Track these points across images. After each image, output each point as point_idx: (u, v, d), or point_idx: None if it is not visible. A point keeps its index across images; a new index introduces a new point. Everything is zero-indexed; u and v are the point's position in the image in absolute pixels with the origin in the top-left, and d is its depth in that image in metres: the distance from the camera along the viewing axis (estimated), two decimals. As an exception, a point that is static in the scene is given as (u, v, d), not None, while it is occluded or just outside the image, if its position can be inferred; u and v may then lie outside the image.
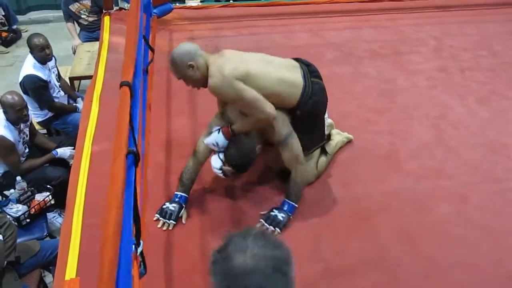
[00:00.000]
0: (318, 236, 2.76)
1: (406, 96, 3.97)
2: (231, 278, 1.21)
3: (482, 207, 3.00)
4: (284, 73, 2.81)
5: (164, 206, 2.79)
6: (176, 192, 2.84)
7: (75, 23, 5.90)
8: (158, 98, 3.71)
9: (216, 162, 2.77)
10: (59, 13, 6.45)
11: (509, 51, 4.71)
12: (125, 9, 4.90)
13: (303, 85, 2.82)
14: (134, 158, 1.84)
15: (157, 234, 2.69)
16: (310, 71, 2.92)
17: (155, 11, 4.69)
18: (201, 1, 5.94)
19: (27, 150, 3.95)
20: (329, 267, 2.58)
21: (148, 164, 2.97)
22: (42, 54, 4.22)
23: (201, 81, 2.74)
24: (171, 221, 2.74)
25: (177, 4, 5.10)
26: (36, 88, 4.25)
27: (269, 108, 2.65)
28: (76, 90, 5.12)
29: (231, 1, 6.03)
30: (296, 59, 3.01)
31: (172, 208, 2.77)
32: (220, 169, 2.74)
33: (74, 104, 4.67)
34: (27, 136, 3.93)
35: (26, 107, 3.77)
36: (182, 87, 3.86)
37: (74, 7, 5.74)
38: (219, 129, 2.79)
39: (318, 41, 4.73)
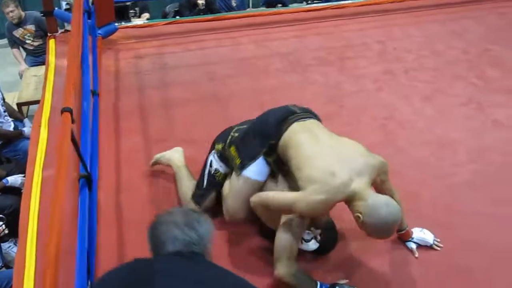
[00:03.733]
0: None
1: (353, 100, 4.05)
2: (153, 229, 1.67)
3: (433, 203, 3.07)
4: None
5: None
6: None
7: (21, 48, 5.80)
8: (107, 118, 3.68)
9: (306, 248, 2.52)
10: (4, 40, 6.34)
11: (451, 50, 4.86)
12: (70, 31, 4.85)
13: None
14: (86, 182, 1.83)
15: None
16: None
17: (99, 32, 4.66)
18: (147, 19, 5.92)
19: (-24, 180, 3.85)
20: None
21: (98, 185, 2.94)
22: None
23: None
24: None
25: (123, 23, 5.07)
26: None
27: None
28: (25, 116, 5.03)
29: (177, 17, 6.03)
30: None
31: None
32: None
33: (20, 129, 4.58)
34: (-25, 166, 3.83)
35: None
36: (131, 106, 3.88)
37: (18, 33, 5.66)
38: (310, 239, 2.51)
39: (265, 52, 4.78)
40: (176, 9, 6.40)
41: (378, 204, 2.19)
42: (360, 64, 4.55)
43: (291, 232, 2.35)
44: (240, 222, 2.62)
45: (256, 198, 2.45)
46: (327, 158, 2.29)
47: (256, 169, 2.53)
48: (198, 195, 2.78)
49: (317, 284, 2.38)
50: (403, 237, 2.72)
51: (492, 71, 4.50)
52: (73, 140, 1.74)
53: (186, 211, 1.70)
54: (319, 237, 2.53)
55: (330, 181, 2.20)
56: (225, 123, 3.62)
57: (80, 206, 1.59)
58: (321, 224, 2.53)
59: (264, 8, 6.57)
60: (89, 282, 1.77)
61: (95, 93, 3.45)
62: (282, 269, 2.35)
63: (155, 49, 4.82)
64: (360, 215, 2.21)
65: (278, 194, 2.41)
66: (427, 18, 5.53)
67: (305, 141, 2.39)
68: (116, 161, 3.32)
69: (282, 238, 2.36)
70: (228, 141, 2.69)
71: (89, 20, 4.28)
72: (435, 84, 4.28)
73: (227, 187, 2.67)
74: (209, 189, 2.75)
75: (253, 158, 2.52)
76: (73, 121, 1.77)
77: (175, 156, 3.09)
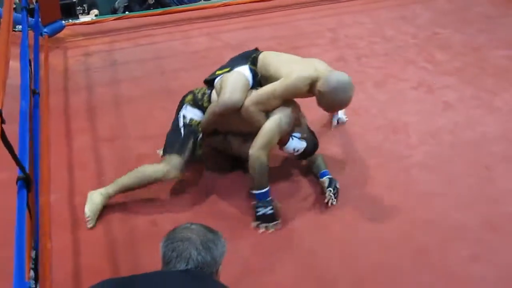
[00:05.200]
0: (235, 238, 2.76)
1: (307, 88, 4.05)
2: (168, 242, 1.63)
3: (389, 186, 3.11)
4: None
5: (260, 213, 2.79)
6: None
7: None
8: (55, 118, 3.58)
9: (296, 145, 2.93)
10: None
11: (401, 36, 4.92)
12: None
13: None
14: (24, 184, 1.76)
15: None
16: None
17: (45, 30, 4.53)
18: (95, 16, 5.79)
19: None
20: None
21: (49, 188, 2.86)
22: None
23: None
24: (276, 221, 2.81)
25: (70, 20, 4.93)
26: None
27: None
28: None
29: (126, 12, 5.92)
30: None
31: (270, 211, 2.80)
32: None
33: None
34: None
35: None
36: (81, 105, 3.79)
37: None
38: (299, 137, 2.94)
39: (217, 44, 4.74)
40: (125, 4, 6.27)
41: (332, 76, 2.75)
42: (312, 52, 4.54)
43: (277, 126, 2.80)
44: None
45: (248, 101, 2.84)
46: (297, 60, 3.01)
47: (246, 71, 2.97)
48: (178, 146, 2.91)
49: (267, 187, 2.81)
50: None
51: (440, 54, 4.58)
52: (4, 139, 1.66)
53: (204, 230, 1.66)
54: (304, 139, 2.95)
55: (303, 70, 2.82)
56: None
57: (18, 208, 1.52)
58: (305, 130, 2.99)
59: (215, 0, 6.50)
60: None
61: (35, 93, 3.33)
62: (255, 151, 2.77)
63: (105, 46, 4.72)
64: (319, 90, 2.73)
65: (263, 88, 2.88)
66: (377, 5, 5.57)
67: (277, 54, 3.09)
68: (67, 162, 3.24)
69: (268, 127, 2.80)
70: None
71: (33, 19, 4.16)
72: (387, 70, 4.33)
73: (218, 85, 3.00)
74: (188, 137, 2.93)
75: (241, 65, 3.00)
76: (3, 121, 1.69)
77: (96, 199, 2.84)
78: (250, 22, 5.18)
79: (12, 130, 1.88)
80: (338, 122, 3.58)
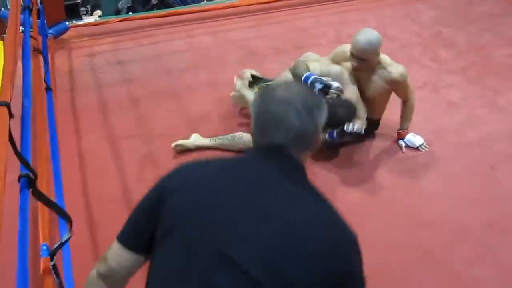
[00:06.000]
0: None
1: (311, 88, 4.06)
2: (263, 102, 1.32)
3: (394, 186, 3.11)
4: None
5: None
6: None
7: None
8: (63, 118, 3.59)
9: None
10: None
11: (405, 34, 4.92)
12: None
13: None
14: (28, 182, 1.75)
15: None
16: None
17: (50, 31, 4.55)
18: (99, 16, 5.81)
19: None
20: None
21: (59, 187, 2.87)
22: None
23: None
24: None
25: (74, 22, 4.96)
26: None
27: None
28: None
29: (130, 13, 5.93)
30: None
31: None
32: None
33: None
34: None
35: None
36: (88, 105, 3.80)
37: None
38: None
39: (221, 44, 4.75)
40: (129, 5, 6.29)
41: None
42: (315, 51, 4.50)
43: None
44: None
45: None
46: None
47: None
48: None
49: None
50: (398, 135, 3.42)
51: (445, 53, 4.58)
52: (9, 136, 1.66)
53: (305, 89, 1.38)
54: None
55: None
56: (183, 118, 3.61)
57: (21, 208, 1.51)
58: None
59: (219, 0, 6.51)
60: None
61: (49, 89, 3.37)
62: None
63: (109, 46, 4.74)
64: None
65: None
66: (380, 3, 5.58)
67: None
68: (78, 160, 3.26)
69: None
70: None
71: (39, 20, 4.18)
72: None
73: None
74: None
75: None
76: (11, 116, 1.70)
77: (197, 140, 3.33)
78: (254, 22, 5.19)
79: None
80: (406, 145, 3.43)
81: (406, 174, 3.22)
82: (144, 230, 1.29)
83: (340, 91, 3.06)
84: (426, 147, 3.38)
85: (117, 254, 1.32)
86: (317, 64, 3.27)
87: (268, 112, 1.29)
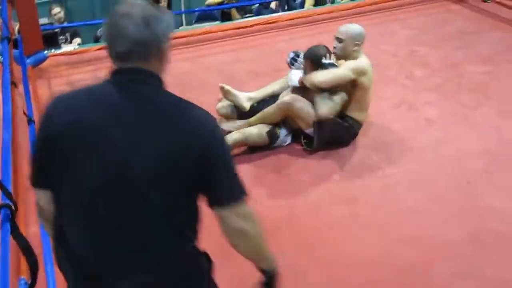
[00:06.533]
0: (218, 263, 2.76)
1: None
2: (109, 16, 1.45)
3: (373, 204, 3.16)
4: None
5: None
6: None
7: None
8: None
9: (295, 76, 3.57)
10: None
11: (380, 54, 4.99)
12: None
13: None
14: (8, 214, 1.75)
15: None
16: None
17: (28, 61, 4.56)
18: (78, 44, 5.83)
19: None
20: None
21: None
22: None
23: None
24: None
25: (53, 51, 4.97)
26: None
27: None
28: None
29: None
30: None
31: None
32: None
33: None
34: None
35: None
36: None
37: None
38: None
39: (200, 69, 4.81)
40: (108, 32, 6.31)
41: None
42: (293, 74, 4.62)
43: None
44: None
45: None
46: None
47: None
48: None
49: None
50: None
51: (420, 71, 4.68)
52: None
53: (147, 5, 1.47)
54: None
55: None
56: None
57: (1, 240, 1.51)
58: None
59: (197, 25, 6.58)
60: None
61: (31, 121, 3.36)
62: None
63: (89, 74, 4.74)
64: None
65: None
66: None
67: None
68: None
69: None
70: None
71: (17, 50, 4.20)
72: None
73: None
74: None
75: None
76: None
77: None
78: (231, 46, 5.26)
79: None
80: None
81: (384, 191, 3.26)
82: (46, 169, 1.45)
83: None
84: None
85: (39, 196, 1.51)
86: None
87: (112, 25, 1.43)
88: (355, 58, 3.52)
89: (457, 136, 3.75)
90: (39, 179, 1.49)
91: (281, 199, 3.21)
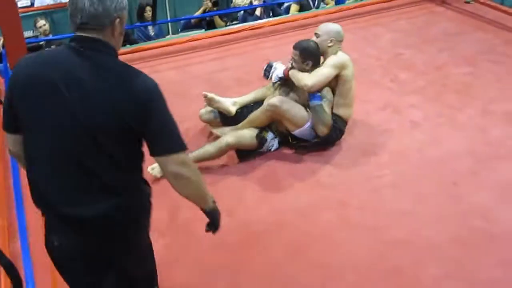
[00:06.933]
0: (211, 271, 2.78)
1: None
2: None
3: (361, 207, 3.18)
4: None
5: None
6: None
7: None
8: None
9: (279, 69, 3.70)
10: None
11: (365, 58, 5.03)
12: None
13: None
14: None
15: None
16: None
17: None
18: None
19: None
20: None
21: None
22: None
23: None
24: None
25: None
26: None
27: None
28: None
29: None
30: None
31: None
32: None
33: None
34: None
35: None
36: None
37: None
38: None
39: (185, 77, 4.80)
40: (93, 43, 6.31)
41: None
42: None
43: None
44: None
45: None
46: None
47: None
48: None
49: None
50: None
51: (404, 73, 4.71)
52: None
53: None
54: None
55: None
56: (146, 152, 3.61)
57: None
58: None
59: (183, 34, 6.58)
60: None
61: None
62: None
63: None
64: None
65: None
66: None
67: None
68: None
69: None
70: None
71: (1, 64, 4.19)
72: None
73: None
74: None
75: None
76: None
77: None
78: (217, 54, 5.27)
79: None
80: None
81: (371, 193, 3.29)
82: (13, 116, 1.73)
83: (279, 79, 3.68)
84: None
85: (9, 139, 1.82)
86: None
87: (73, 2, 1.71)
88: (331, 54, 3.58)
89: (442, 138, 3.78)
90: (8, 125, 1.78)
91: (270, 204, 3.22)
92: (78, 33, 1.72)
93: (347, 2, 6.82)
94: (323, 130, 3.52)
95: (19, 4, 5.66)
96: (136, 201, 1.83)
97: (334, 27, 3.66)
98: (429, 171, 3.45)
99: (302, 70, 3.55)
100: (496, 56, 4.95)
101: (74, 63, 1.68)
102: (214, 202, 1.98)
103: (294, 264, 2.79)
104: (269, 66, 3.80)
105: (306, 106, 3.55)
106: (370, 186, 3.35)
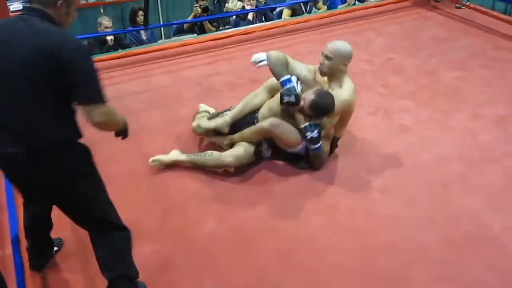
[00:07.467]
0: (200, 276, 2.77)
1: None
2: None
3: (351, 211, 3.18)
4: None
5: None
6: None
7: None
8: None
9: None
10: None
11: (356, 63, 5.01)
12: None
13: None
14: None
15: None
16: None
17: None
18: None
19: None
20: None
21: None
22: None
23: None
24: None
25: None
26: None
27: None
28: None
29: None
30: None
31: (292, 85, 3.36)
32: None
33: None
34: None
35: None
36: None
37: None
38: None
39: (178, 82, 4.80)
40: (85, 47, 6.31)
41: None
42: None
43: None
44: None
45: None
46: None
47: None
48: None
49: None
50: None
51: (395, 78, 4.73)
52: None
53: None
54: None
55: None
56: (139, 159, 3.61)
57: None
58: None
59: (175, 39, 6.59)
60: None
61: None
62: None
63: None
64: None
65: None
66: (329, 34, 5.73)
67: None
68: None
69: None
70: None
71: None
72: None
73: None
74: None
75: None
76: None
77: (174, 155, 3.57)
78: (210, 58, 5.27)
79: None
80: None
81: (362, 197, 3.30)
82: None
83: (290, 104, 3.37)
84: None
85: None
86: (298, 65, 3.59)
87: None
88: (339, 78, 3.44)
89: (432, 142, 3.80)
90: None
91: (259, 210, 3.21)
92: (26, 5, 2.12)
93: (339, 7, 6.86)
94: (318, 167, 3.53)
95: (11, 8, 5.63)
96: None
97: (346, 49, 3.42)
98: (419, 175, 3.47)
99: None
100: (486, 61, 4.99)
101: (15, 25, 2.05)
102: (123, 120, 2.38)
103: (283, 269, 2.79)
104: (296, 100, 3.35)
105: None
106: (360, 190, 3.36)
